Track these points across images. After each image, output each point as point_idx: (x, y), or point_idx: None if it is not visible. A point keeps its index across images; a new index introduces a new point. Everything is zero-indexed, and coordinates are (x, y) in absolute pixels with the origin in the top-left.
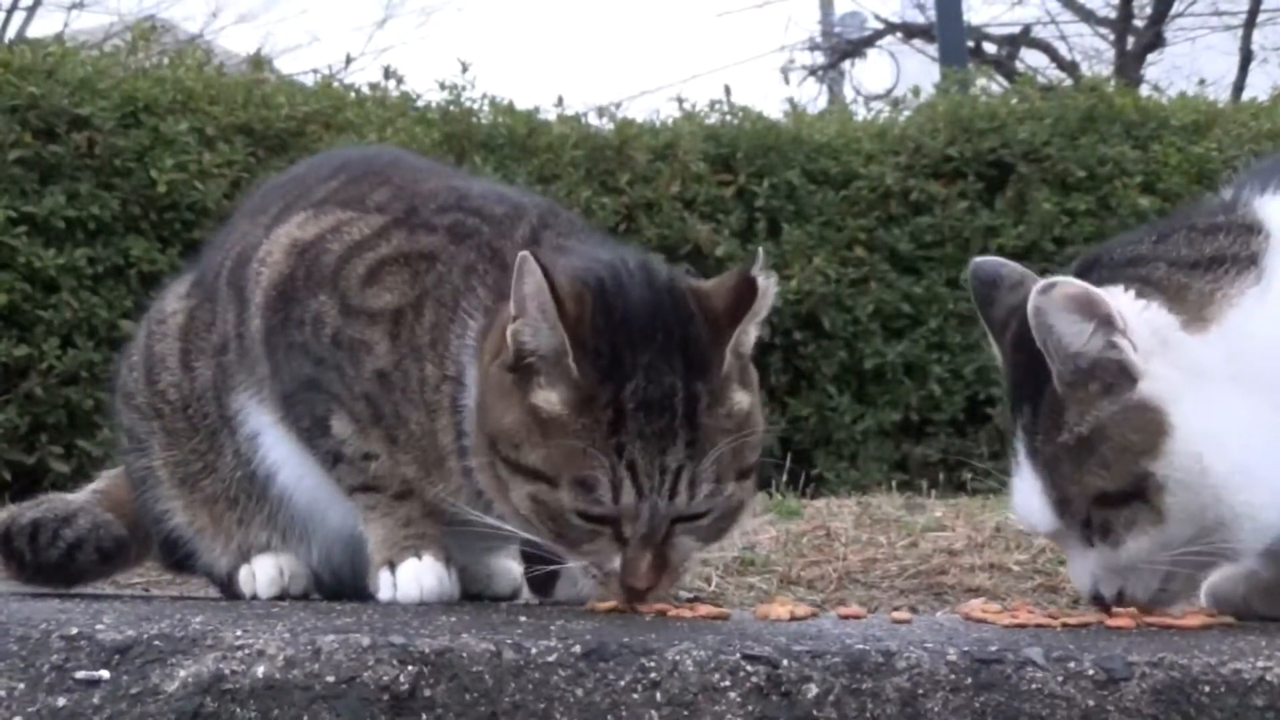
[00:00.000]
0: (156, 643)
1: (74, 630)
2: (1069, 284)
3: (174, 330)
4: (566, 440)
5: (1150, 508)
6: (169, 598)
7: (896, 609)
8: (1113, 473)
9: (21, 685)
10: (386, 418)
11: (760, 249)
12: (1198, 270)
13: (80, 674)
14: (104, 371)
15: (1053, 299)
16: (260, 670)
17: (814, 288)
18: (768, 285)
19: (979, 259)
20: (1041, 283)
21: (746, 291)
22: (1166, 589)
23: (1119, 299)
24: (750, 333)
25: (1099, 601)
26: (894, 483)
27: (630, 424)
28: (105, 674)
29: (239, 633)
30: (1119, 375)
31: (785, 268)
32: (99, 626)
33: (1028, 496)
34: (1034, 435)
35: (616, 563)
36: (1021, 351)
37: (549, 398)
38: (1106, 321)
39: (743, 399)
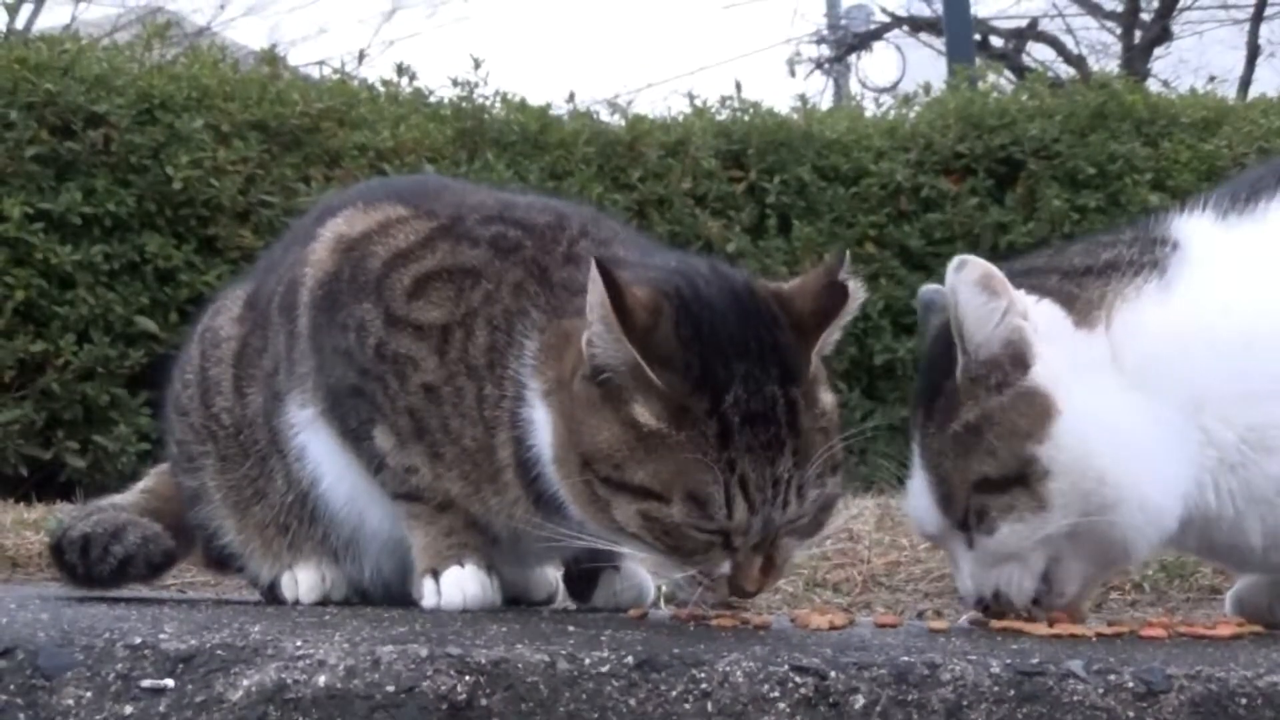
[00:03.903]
0: (219, 652)
1: (137, 640)
2: (978, 262)
3: (228, 356)
4: (674, 454)
5: (1031, 494)
6: (212, 600)
7: (922, 613)
8: (998, 457)
9: (89, 694)
10: (431, 433)
11: (846, 251)
12: (1089, 276)
13: (146, 682)
14: (120, 367)
15: (964, 277)
16: (322, 680)
17: None
18: (858, 289)
19: (924, 288)
20: (956, 260)
21: (836, 296)
22: (1051, 590)
23: (1019, 296)
24: (835, 336)
25: (981, 605)
26: (903, 480)
27: (739, 437)
28: (170, 683)
29: (299, 642)
30: (1014, 366)
31: (796, 264)
32: (162, 636)
33: (917, 495)
34: (927, 432)
35: (726, 567)
36: (929, 358)
37: (645, 412)
38: (1010, 304)
39: (829, 399)
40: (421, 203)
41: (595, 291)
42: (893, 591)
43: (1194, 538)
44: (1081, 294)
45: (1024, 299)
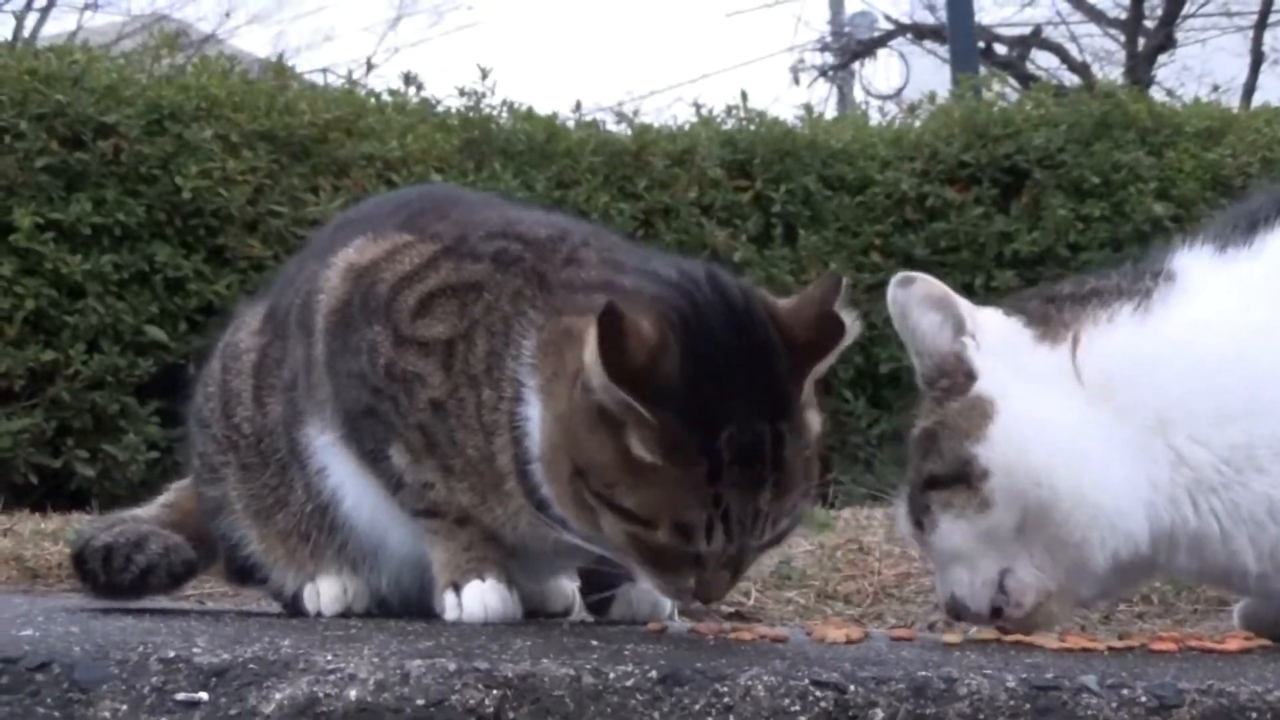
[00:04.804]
0: (251, 666)
1: (171, 653)
2: (926, 281)
3: (248, 368)
4: (664, 486)
5: (971, 492)
6: (236, 613)
7: (933, 625)
8: (944, 457)
9: (124, 707)
10: (441, 446)
11: (844, 278)
12: (1071, 300)
13: (180, 696)
14: (129, 376)
15: (912, 293)
16: (353, 694)
17: None
18: (853, 325)
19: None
20: (900, 275)
21: (832, 328)
22: (1010, 600)
23: (983, 312)
24: (829, 363)
25: (950, 611)
26: None
27: (727, 474)
28: (204, 696)
29: (329, 656)
30: (965, 377)
31: (802, 273)
32: (195, 650)
33: (899, 500)
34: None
35: (691, 582)
36: None
37: (640, 446)
38: (958, 320)
39: (814, 421)
40: (427, 226)
41: (590, 351)
42: (903, 603)
43: (1186, 557)
44: (1056, 315)
45: (978, 311)
